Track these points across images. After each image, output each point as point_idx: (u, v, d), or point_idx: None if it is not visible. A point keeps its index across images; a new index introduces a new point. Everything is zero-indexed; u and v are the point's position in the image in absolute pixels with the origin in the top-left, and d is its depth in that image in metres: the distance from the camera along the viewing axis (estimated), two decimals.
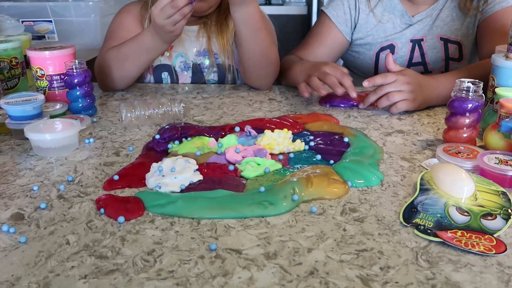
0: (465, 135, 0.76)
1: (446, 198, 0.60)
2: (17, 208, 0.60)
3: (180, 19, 0.97)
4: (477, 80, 0.76)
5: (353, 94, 0.92)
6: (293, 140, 0.78)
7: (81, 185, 0.66)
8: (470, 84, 0.75)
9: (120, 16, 1.22)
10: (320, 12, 1.28)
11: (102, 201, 0.61)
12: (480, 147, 0.78)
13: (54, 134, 0.76)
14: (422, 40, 1.20)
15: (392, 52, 1.22)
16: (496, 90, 0.81)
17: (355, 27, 1.24)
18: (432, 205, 0.59)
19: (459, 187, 0.60)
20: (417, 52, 1.21)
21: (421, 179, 0.64)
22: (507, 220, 0.56)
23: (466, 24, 1.17)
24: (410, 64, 1.22)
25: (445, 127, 0.79)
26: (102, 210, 0.59)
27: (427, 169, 0.69)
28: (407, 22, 1.20)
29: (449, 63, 1.21)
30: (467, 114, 0.75)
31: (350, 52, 1.29)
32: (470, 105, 0.75)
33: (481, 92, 0.75)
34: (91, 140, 0.82)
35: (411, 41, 1.20)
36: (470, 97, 0.75)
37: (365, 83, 0.91)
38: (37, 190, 0.65)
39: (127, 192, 0.64)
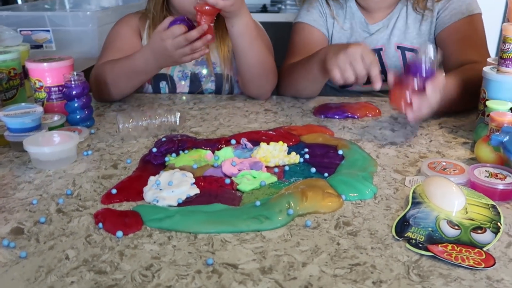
0: (409, 97, 0.80)
1: (437, 211, 0.61)
2: (17, 222, 0.61)
3: (189, 53, 0.97)
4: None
5: (377, 86, 0.89)
6: (288, 153, 0.79)
7: (80, 199, 0.67)
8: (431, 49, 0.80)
9: (118, 27, 1.24)
10: (295, 24, 1.28)
11: (101, 215, 0.62)
12: (472, 159, 0.80)
13: (53, 147, 0.77)
14: (381, 49, 1.24)
15: None
16: (487, 103, 0.83)
17: (328, 31, 1.27)
18: (423, 219, 0.60)
19: (450, 200, 0.62)
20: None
21: (413, 192, 0.66)
22: (496, 233, 0.57)
23: (422, 31, 1.21)
24: None
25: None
26: (100, 225, 0.60)
27: (409, 187, 0.70)
28: (366, 30, 1.24)
29: None
30: (418, 76, 0.80)
31: None
32: (425, 69, 0.79)
33: (436, 66, 0.80)
34: (89, 152, 0.83)
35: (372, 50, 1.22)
36: (428, 65, 0.79)
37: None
38: (36, 203, 0.66)
39: (125, 205, 0.65)
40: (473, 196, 0.65)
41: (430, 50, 0.80)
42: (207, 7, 0.94)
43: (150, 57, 1.02)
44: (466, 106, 1.01)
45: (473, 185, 0.68)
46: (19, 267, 0.52)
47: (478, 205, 0.63)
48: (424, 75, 0.80)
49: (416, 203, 0.63)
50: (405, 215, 0.61)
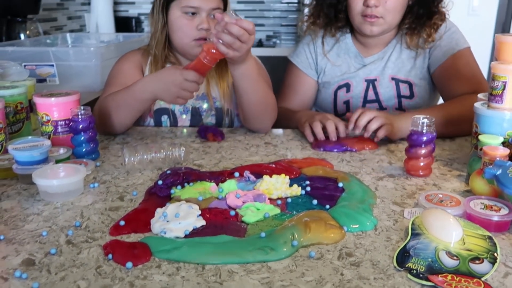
0: (422, 163, 0.89)
1: (436, 242, 0.64)
2: (28, 253, 0.63)
3: (185, 97, 1.03)
4: (430, 116, 0.89)
5: (341, 135, 1.07)
6: (290, 185, 0.82)
7: (88, 230, 0.69)
8: (425, 120, 0.88)
9: (121, 63, 1.28)
10: (288, 61, 1.40)
11: (110, 247, 0.63)
12: (467, 191, 0.83)
13: (61, 180, 0.79)
14: (375, 80, 1.31)
15: (348, 90, 1.33)
16: (480, 137, 0.87)
17: (317, 67, 1.36)
18: (423, 250, 0.62)
19: (448, 232, 0.64)
20: (371, 91, 1.32)
21: (412, 223, 0.68)
22: (493, 264, 0.59)
23: (417, 65, 1.29)
24: (366, 102, 1.33)
25: (406, 158, 0.91)
26: (110, 256, 0.61)
27: (408, 218, 0.72)
28: (361, 63, 1.32)
29: (401, 101, 1.31)
30: (423, 146, 0.88)
31: None
32: (425, 138, 0.87)
33: (433, 126, 0.88)
34: (96, 184, 0.85)
35: (366, 80, 1.32)
36: (425, 131, 0.87)
37: (350, 127, 1.04)
38: (46, 235, 0.67)
39: (133, 237, 0.67)
40: (469, 227, 0.67)
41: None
42: (213, 50, 0.96)
43: (150, 82, 1.06)
44: (454, 133, 1.12)
45: (469, 217, 0.71)
46: None
47: (475, 236, 0.65)
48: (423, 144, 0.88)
49: (415, 234, 0.66)
50: (405, 246, 0.63)
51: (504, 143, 0.85)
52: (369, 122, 1.02)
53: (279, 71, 1.45)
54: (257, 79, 1.10)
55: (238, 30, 0.92)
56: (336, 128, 1.08)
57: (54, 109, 1.01)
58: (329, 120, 1.09)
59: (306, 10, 1.38)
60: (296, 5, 3.32)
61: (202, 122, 1.27)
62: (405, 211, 0.75)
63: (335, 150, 1.04)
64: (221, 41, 0.94)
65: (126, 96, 1.10)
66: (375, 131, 1.03)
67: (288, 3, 3.31)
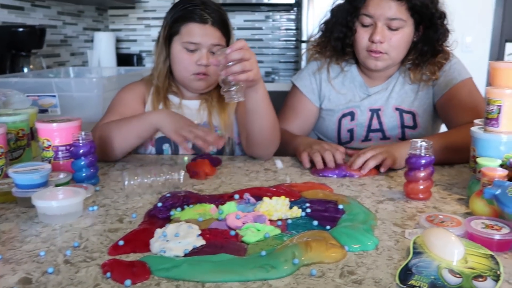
0: (421, 186, 0.89)
1: (438, 261, 0.63)
2: (25, 272, 0.62)
3: (188, 135, 1.06)
4: (428, 140, 0.90)
5: (339, 162, 1.08)
6: (290, 207, 0.81)
7: (87, 250, 0.68)
8: (423, 143, 0.89)
9: (123, 93, 1.30)
10: (292, 83, 1.42)
11: (108, 265, 0.63)
12: (467, 213, 0.83)
13: (60, 201, 0.79)
14: (379, 109, 1.33)
15: (353, 118, 1.34)
16: (478, 160, 0.88)
17: (320, 94, 1.38)
18: (425, 268, 0.62)
19: (450, 250, 0.63)
20: (375, 120, 1.33)
21: (414, 243, 0.67)
22: (496, 281, 0.59)
23: (420, 96, 1.31)
24: (370, 131, 1.34)
25: (406, 181, 0.92)
26: (108, 274, 0.60)
27: (409, 239, 0.72)
28: (366, 93, 1.35)
29: (405, 131, 1.33)
30: (422, 168, 0.88)
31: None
32: (423, 161, 0.88)
33: (431, 150, 0.89)
34: (95, 207, 0.85)
35: (370, 110, 1.34)
36: (423, 153, 0.88)
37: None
38: (44, 255, 0.67)
39: (132, 257, 0.66)
40: (471, 246, 0.66)
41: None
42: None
43: (157, 113, 1.11)
44: (454, 161, 1.13)
45: (470, 237, 0.70)
46: None
47: (477, 255, 0.64)
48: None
49: (417, 253, 0.65)
50: (407, 264, 0.63)
51: (502, 166, 0.86)
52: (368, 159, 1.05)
53: (278, 106, 1.47)
54: (270, 101, 1.11)
55: (237, 53, 0.94)
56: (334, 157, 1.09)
57: (55, 134, 1.02)
58: (326, 151, 1.09)
59: (312, 39, 1.41)
60: (294, 42, 3.41)
61: (203, 151, 1.27)
62: (406, 231, 0.74)
63: (335, 175, 1.05)
64: (231, 75, 0.95)
65: (130, 121, 1.14)
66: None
67: (286, 40, 3.40)
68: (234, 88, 0.97)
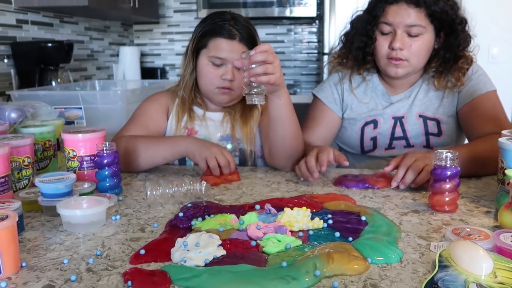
0: (447, 198, 0.86)
1: (465, 275, 0.61)
2: (48, 280, 0.63)
3: (212, 162, 1.08)
4: (454, 151, 0.87)
5: (322, 169, 1.03)
6: (312, 218, 0.80)
7: (109, 259, 0.69)
8: (448, 154, 0.86)
9: (147, 103, 1.32)
10: (314, 94, 1.42)
11: (129, 274, 0.63)
12: (496, 227, 0.80)
13: (84, 210, 0.80)
14: (403, 117, 1.31)
15: (376, 126, 1.33)
16: (506, 171, 0.85)
17: (342, 104, 1.37)
18: (452, 282, 0.59)
19: (477, 264, 0.61)
20: (398, 128, 1.31)
21: (440, 256, 0.65)
22: None
23: (444, 103, 1.29)
24: (393, 138, 1.32)
25: (430, 193, 0.89)
26: (129, 283, 0.61)
27: (434, 252, 0.70)
28: (388, 101, 1.33)
29: (429, 138, 1.30)
30: (448, 180, 0.86)
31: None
32: (449, 172, 0.85)
33: (457, 161, 0.86)
34: (118, 217, 0.86)
35: (393, 117, 1.32)
36: (449, 165, 0.85)
37: (387, 169, 1.02)
38: (67, 263, 0.67)
39: (153, 266, 0.67)
40: (500, 261, 0.64)
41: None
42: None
43: (186, 141, 1.14)
44: (481, 172, 1.10)
45: (499, 250, 0.68)
46: None
47: (507, 270, 0.62)
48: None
49: (443, 266, 0.63)
50: (433, 277, 0.61)
51: None
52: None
53: (300, 118, 1.47)
54: (293, 109, 1.11)
55: (261, 55, 0.95)
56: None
57: (80, 144, 1.04)
58: (320, 153, 1.06)
59: (333, 51, 1.41)
60: (316, 55, 3.41)
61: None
62: (432, 244, 0.72)
63: (357, 187, 1.03)
64: (253, 77, 0.96)
65: (159, 143, 1.17)
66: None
67: (308, 53, 3.41)
68: (255, 90, 0.97)
